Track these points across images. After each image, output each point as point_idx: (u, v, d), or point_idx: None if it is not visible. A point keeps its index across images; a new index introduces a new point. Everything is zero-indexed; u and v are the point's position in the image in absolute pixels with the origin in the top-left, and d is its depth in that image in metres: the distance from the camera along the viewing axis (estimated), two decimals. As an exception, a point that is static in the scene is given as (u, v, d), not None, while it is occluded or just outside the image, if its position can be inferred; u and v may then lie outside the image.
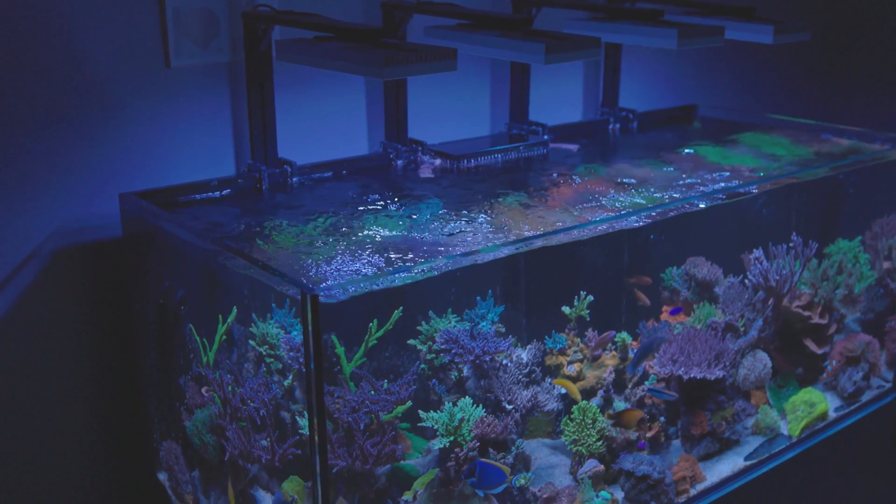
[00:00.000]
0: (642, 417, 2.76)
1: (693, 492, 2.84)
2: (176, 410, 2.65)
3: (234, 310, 2.44)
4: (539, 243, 2.40)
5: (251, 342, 2.34)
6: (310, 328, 1.89)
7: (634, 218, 2.58)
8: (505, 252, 2.33)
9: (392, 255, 2.28)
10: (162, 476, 2.84)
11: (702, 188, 2.85)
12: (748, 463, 2.99)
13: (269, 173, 2.84)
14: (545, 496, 2.69)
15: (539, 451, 2.89)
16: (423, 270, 2.15)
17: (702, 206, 2.74)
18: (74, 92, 2.59)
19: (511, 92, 3.44)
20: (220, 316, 2.47)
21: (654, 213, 2.64)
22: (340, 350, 2.61)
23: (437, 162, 3.12)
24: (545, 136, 3.37)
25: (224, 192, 2.78)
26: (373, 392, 2.48)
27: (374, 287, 2.07)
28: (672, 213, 2.71)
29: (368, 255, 2.27)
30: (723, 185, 2.89)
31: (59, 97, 2.57)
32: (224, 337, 2.47)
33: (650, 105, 3.96)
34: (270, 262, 2.15)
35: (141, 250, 2.68)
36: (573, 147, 3.41)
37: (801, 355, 3.29)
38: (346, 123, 3.16)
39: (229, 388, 2.41)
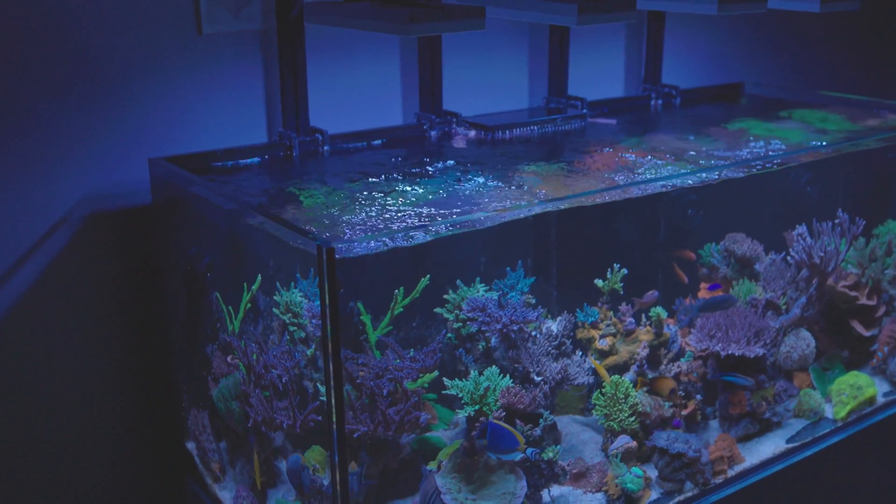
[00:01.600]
0: (674, 388, 2.68)
1: (731, 473, 2.74)
2: (203, 380, 2.63)
3: (259, 277, 2.41)
4: (572, 210, 2.33)
5: (275, 310, 2.31)
6: (325, 282, 1.84)
7: (671, 183, 2.50)
8: (533, 212, 2.27)
9: (423, 211, 2.23)
10: (190, 445, 2.82)
11: (741, 156, 2.75)
12: (791, 446, 2.89)
13: (300, 141, 2.81)
14: (574, 471, 2.62)
15: (570, 427, 2.82)
16: (448, 227, 2.09)
17: (740, 174, 2.64)
18: (106, 57, 2.59)
19: (549, 65, 3.37)
20: (244, 284, 2.45)
21: (690, 181, 2.55)
22: (367, 317, 2.57)
23: (472, 133, 3.07)
24: (584, 111, 3.29)
25: (254, 160, 2.76)
26: (398, 360, 2.44)
27: (395, 244, 2.02)
28: (713, 181, 2.62)
29: (398, 215, 2.22)
30: (762, 153, 2.79)
31: (90, 62, 2.57)
32: (248, 305, 2.44)
33: (694, 83, 3.86)
34: (296, 223, 2.11)
35: (169, 216, 2.66)
36: (613, 121, 3.33)
37: (847, 337, 3.17)
38: (381, 95, 3.12)
39: (254, 356, 2.39)
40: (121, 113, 2.65)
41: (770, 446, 2.87)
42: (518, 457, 2.30)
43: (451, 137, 3.05)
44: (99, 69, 2.59)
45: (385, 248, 2.00)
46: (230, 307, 2.46)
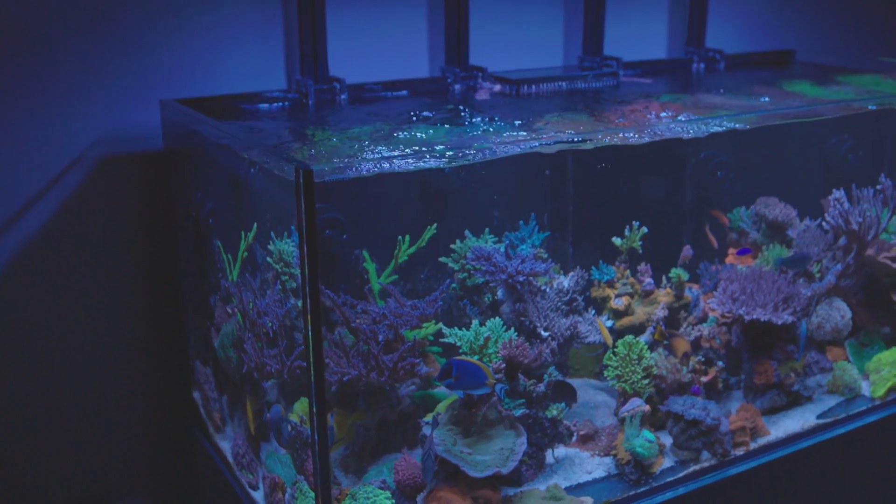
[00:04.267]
0: (687, 351, 2.55)
1: (754, 446, 2.60)
2: (206, 330, 2.60)
3: (255, 226, 2.35)
4: (591, 164, 2.22)
5: (269, 259, 2.25)
6: (303, 206, 1.78)
7: (697, 128, 2.36)
8: (541, 147, 2.15)
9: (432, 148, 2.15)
10: (196, 395, 2.79)
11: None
12: (822, 422, 2.73)
13: (316, 89, 2.75)
14: (582, 433, 2.52)
15: (584, 390, 2.71)
16: (438, 156, 2.00)
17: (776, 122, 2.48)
18: (119, -3, 2.57)
19: (585, 22, 3.26)
20: (242, 232, 2.39)
21: (717, 127, 2.41)
22: (371, 266, 2.50)
23: (497, 87, 2.97)
24: (617, 69, 3.17)
25: (267, 106, 2.71)
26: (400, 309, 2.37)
27: (380, 169, 1.93)
28: (747, 140, 2.47)
29: (406, 150, 2.14)
30: (796, 107, 2.63)
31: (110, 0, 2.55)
32: (245, 254, 2.38)
33: (742, 49, 3.70)
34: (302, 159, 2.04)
35: (179, 160, 2.63)
36: (648, 81, 3.20)
37: (888, 312, 2.99)
38: (406, 47, 3.04)
39: (250, 304, 2.33)
40: (138, 55, 2.62)
41: (798, 421, 2.72)
42: (485, 391, 2.19)
43: (475, 91, 2.96)
44: (118, 8, 2.56)
45: (369, 172, 1.92)
46: (229, 255, 2.41)
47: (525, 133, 2.26)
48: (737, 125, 2.45)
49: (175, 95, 2.67)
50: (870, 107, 2.78)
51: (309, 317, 1.83)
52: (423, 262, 2.62)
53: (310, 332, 1.83)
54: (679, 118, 2.47)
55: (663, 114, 2.51)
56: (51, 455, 2.75)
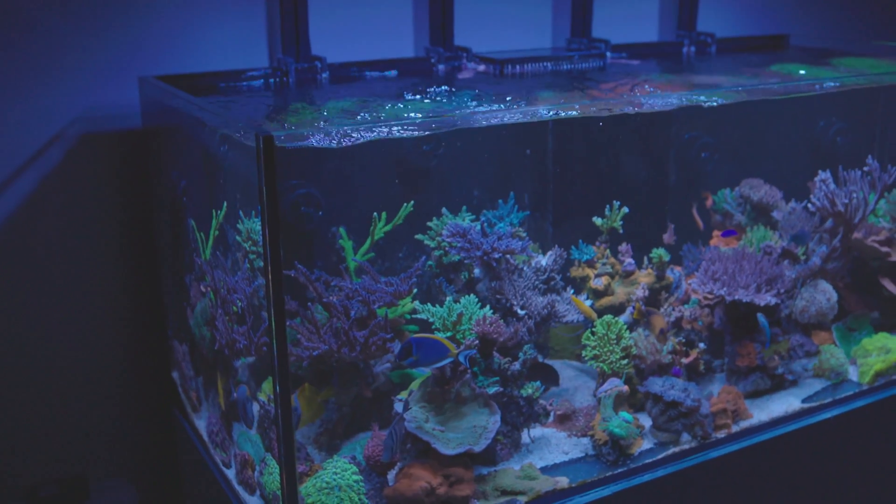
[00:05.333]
0: (664, 328, 2.51)
1: (736, 429, 2.56)
2: (183, 309, 2.58)
3: (225, 205, 2.32)
4: (572, 143, 2.18)
5: (238, 238, 2.23)
6: (263, 171, 1.75)
7: (670, 101, 2.33)
8: (518, 118, 2.12)
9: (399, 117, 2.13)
10: (175, 374, 2.78)
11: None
12: (807, 406, 2.69)
13: (296, 67, 2.73)
14: (559, 412, 2.49)
15: (564, 372, 2.69)
16: (406, 126, 1.98)
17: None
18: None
19: (573, 4, 3.23)
20: (213, 210, 2.37)
21: (692, 99, 2.38)
22: (347, 243, 2.48)
23: (482, 67, 2.95)
24: (605, 51, 3.14)
25: (247, 84, 2.69)
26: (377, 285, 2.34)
27: (343, 138, 1.91)
28: (729, 110, 2.43)
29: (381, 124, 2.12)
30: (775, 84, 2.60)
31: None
32: (217, 233, 2.36)
33: (735, 33, 3.66)
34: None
35: (157, 138, 2.62)
36: (635, 63, 3.17)
37: (877, 297, 2.94)
38: (393, 29, 3.02)
39: (221, 283, 2.31)
40: (118, 31, 2.61)
41: (782, 404, 2.68)
42: (449, 360, 2.16)
43: (459, 71, 2.94)
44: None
45: (332, 141, 1.90)
46: (202, 233, 2.39)
47: (498, 106, 2.23)
48: (716, 101, 2.42)
49: (156, 73, 2.66)
50: (858, 83, 2.74)
51: (271, 289, 1.81)
52: (402, 241, 2.59)
53: (272, 304, 1.81)
54: (656, 93, 2.44)
55: (644, 88, 2.47)
56: (31, 435, 2.74)
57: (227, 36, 2.76)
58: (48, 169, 2.62)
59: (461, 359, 2.16)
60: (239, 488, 2.28)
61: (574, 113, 2.19)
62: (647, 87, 2.55)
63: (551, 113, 2.18)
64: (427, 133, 2.06)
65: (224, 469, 2.40)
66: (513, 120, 2.18)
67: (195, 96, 2.35)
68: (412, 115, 2.06)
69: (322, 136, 1.92)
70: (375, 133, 1.95)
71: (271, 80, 2.72)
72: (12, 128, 2.55)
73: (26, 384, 2.70)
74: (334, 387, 2.37)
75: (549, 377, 2.66)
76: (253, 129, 1.77)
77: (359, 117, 2.09)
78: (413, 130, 2.03)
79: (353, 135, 1.92)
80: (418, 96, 2.47)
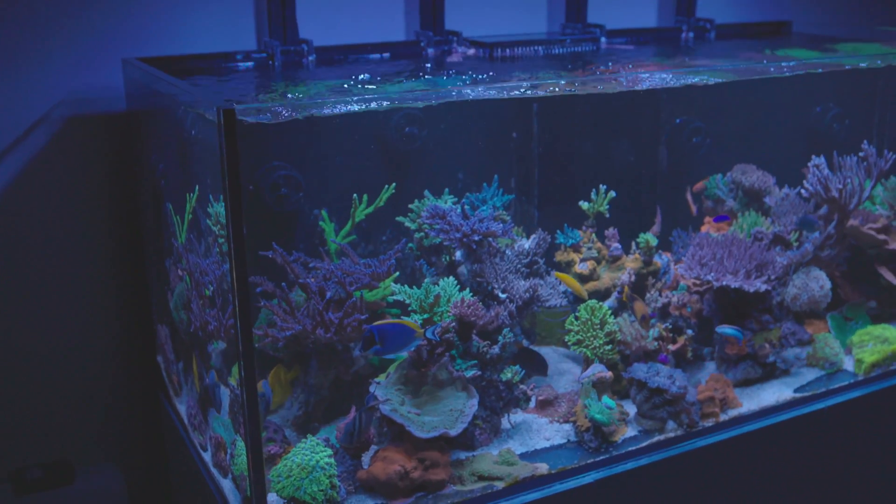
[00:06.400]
0: (645, 314, 2.47)
1: (724, 417, 2.51)
2: (164, 293, 2.57)
3: (197, 189, 2.30)
4: (559, 124, 2.13)
5: (207, 221, 2.21)
6: (224, 147, 1.73)
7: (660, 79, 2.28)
8: (480, 95, 2.09)
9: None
10: (159, 358, 2.77)
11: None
12: (799, 395, 2.63)
13: (282, 50, 2.71)
14: (541, 398, 2.46)
15: (550, 358, 2.65)
16: (377, 101, 1.94)
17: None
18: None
19: (568, -11, 3.19)
20: (187, 194, 2.35)
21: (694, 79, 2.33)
22: (329, 225, 2.46)
23: (471, 51, 2.91)
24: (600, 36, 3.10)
25: (231, 66, 2.67)
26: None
27: (308, 112, 1.88)
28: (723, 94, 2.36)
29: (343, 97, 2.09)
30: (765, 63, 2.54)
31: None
32: (190, 216, 2.34)
33: (737, 20, 3.60)
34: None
35: (139, 121, 2.60)
36: (630, 47, 3.12)
37: (874, 286, 2.88)
38: (384, 13, 2.99)
39: (195, 266, 2.29)
40: (104, 13, 2.60)
41: (773, 394, 2.63)
42: (418, 342, 2.13)
43: (448, 55, 2.91)
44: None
45: (297, 114, 1.87)
46: (178, 217, 2.37)
47: (464, 80, 2.20)
48: (700, 79, 2.37)
49: (142, 56, 2.64)
50: (860, 65, 2.68)
51: (234, 267, 1.78)
52: (386, 224, 2.57)
53: (235, 283, 1.78)
54: (643, 72, 2.40)
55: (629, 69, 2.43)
56: (17, 419, 2.73)
57: (215, 18, 2.75)
58: (33, 152, 2.61)
59: (429, 335, 2.12)
60: (214, 471, 2.27)
61: (542, 92, 2.15)
62: (630, 66, 2.50)
63: (522, 91, 2.14)
64: (390, 106, 2.02)
65: (202, 452, 2.38)
66: (476, 96, 2.16)
67: (175, 77, 2.34)
68: (380, 91, 2.03)
69: (285, 109, 1.89)
70: (339, 108, 1.92)
71: (256, 63, 2.70)
72: (-2, 109, 2.54)
73: (11, 368, 2.69)
74: (312, 370, 2.34)
75: (537, 365, 2.62)
76: (215, 104, 1.74)
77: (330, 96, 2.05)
78: (377, 104, 1.99)
79: (314, 109, 1.89)
80: (401, 78, 2.44)
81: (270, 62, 2.71)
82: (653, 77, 2.35)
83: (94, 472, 2.79)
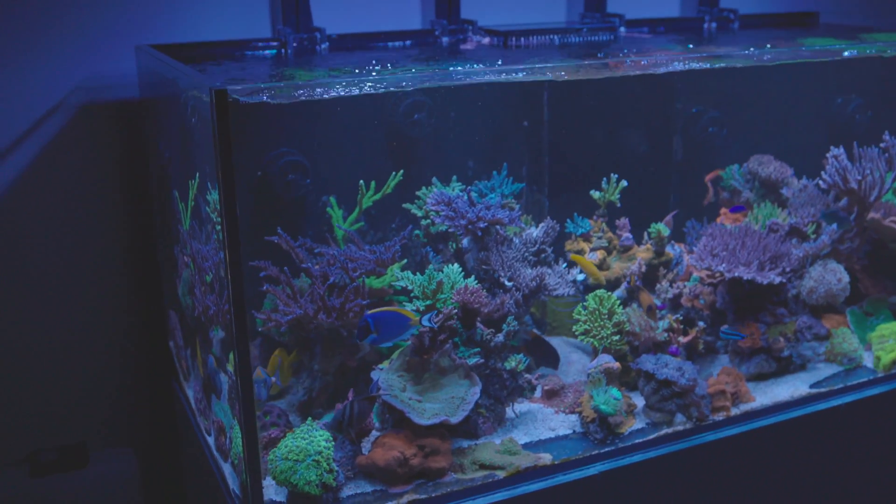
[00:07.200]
0: (651, 304, 2.43)
1: (735, 412, 2.47)
2: (173, 280, 2.58)
3: (197, 176, 2.31)
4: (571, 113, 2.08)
5: (206, 209, 2.22)
6: (217, 129, 1.73)
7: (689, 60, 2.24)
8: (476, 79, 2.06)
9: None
10: (171, 344, 2.79)
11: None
12: (815, 391, 2.58)
13: (295, 38, 2.71)
14: (548, 388, 2.43)
15: (560, 348, 2.62)
16: (375, 84, 1.93)
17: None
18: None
19: (587, -22, 3.15)
20: (189, 182, 2.36)
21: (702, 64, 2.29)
22: (337, 212, 2.45)
23: (486, 40, 2.89)
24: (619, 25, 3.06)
25: (243, 53, 2.68)
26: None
27: (309, 94, 1.87)
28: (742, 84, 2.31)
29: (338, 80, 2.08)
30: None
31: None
32: (193, 203, 2.35)
33: (762, 10, 3.54)
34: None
35: (151, 108, 2.62)
36: (648, 36, 3.08)
37: (897, 281, 2.82)
38: (400, 3, 2.99)
39: (198, 252, 2.30)
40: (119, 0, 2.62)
41: (788, 389, 2.58)
42: (414, 330, 2.11)
43: (462, 43, 2.89)
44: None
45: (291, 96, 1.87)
46: (183, 204, 2.38)
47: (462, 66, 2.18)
48: (707, 64, 2.33)
49: (157, 42, 2.66)
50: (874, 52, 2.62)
51: (227, 251, 1.78)
52: (395, 212, 2.56)
53: (228, 267, 1.78)
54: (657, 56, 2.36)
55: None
56: (33, 402, 2.77)
57: (230, 6, 2.76)
58: (49, 139, 2.64)
59: (425, 322, 2.11)
60: (217, 455, 2.27)
61: (539, 77, 2.12)
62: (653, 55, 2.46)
63: (521, 74, 2.12)
64: (385, 89, 2.01)
65: (207, 436, 2.39)
66: (474, 80, 2.12)
67: (182, 63, 2.35)
68: (375, 73, 2.01)
69: (277, 91, 1.88)
70: (337, 91, 1.91)
71: (268, 51, 2.70)
72: (12, 97, 2.57)
73: (28, 353, 2.72)
74: (318, 355, 2.34)
75: (549, 358, 2.60)
76: (208, 85, 1.74)
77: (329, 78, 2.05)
78: (372, 86, 1.98)
79: (310, 90, 1.88)
80: (409, 64, 2.43)
81: (283, 50, 2.71)
82: (655, 60, 2.31)
83: (108, 455, 2.82)
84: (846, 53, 2.56)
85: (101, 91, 2.67)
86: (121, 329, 2.83)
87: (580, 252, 2.59)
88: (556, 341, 2.63)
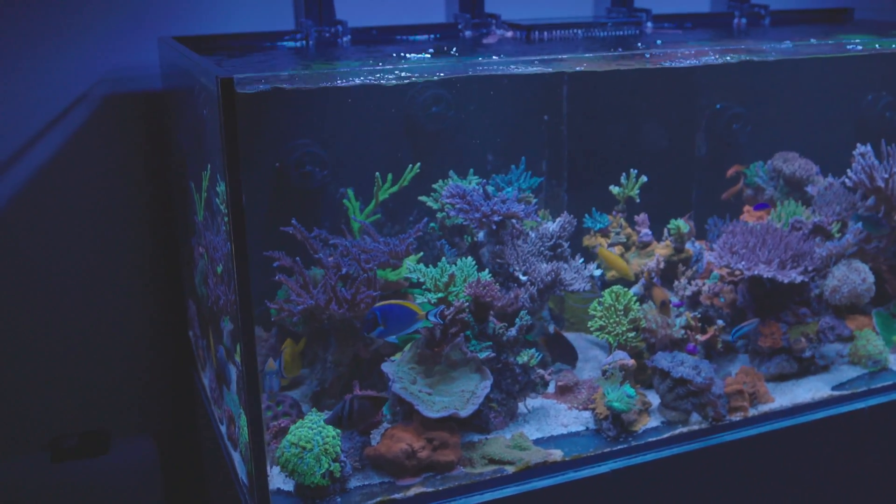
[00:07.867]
0: (665, 300, 2.39)
1: (753, 412, 2.43)
2: (191, 270, 2.60)
3: (209, 167, 2.32)
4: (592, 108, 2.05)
5: (216, 200, 2.23)
6: (223, 117, 1.74)
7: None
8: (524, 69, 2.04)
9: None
10: (190, 333, 2.81)
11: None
12: (837, 393, 2.53)
13: (317, 30, 2.72)
14: (561, 383, 2.41)
15: (578, 344, 2.60)
16: (383, 75, 1.93)
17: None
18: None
19: (614, -28, 3.12)
20: (203, 173, 2.37)
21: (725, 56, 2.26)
22: (353, 203, 2.45)
23: (509, 34, 2.87)
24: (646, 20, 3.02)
25: (265, 45, 2.69)
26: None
27: (316, 83, 1.87)
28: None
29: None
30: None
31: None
32: (205, 194, 2.36)
33: (794, 6, 3.48)
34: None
35: (172, 99, 2.63)
36: (675, 31, 3.04)
37: (926, 282, 2.76)
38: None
39: (210, 243, 2.31)
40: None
41: (809, 390, 2.53)
42: (421, 324, 2.11)
43: (485, 37, 2.87)
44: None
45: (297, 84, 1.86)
46: (198, 195, 2.40)
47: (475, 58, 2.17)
48: (729, 57, 2.29)
49: (179, 34, 2.68)
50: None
51: (233, 240, 1.79)
52: (413, 205, 2.55)
53: (234, 257, 1.79)
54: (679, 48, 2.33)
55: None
56: (55, 389, 2.80)
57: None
58: (73, 130, 2.67)
59: (431, 318, 2.10)
60: (228, 443, 2.29)
61: (549, 69, 2.10)
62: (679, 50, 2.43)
63: (533, 67, 2.10)
64: (397, 79, 2.00)
65: (220, 425, 2.40)
66: (486, 71, 2.10)
67: (201, 55, 2.36)
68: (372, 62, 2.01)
69: (284, 80, 1.88)
70: (352, 80, 1.91)
71: (290, 43, 2.70)
72: (39, 87, 2.60)
73: (52, 341, 2.76)
74: (332, 346, 2.34)
75: (567, 355, 2.58)
76: (215, 74, 1.75)
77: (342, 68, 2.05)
78: (382, 76, 1.97)
79: (315, 80, 1.88)
80: (426, 55, 2.42)
81: (305, 42, 2.71)
82: (671, 53, 2.28)
83: (128, 442, 2.85)
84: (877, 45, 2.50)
85: (126, 82, 2.70)
86: (143, 318, 2.86)
87: (598, 247, 2.57)
88: (573, 337, 2.61)
